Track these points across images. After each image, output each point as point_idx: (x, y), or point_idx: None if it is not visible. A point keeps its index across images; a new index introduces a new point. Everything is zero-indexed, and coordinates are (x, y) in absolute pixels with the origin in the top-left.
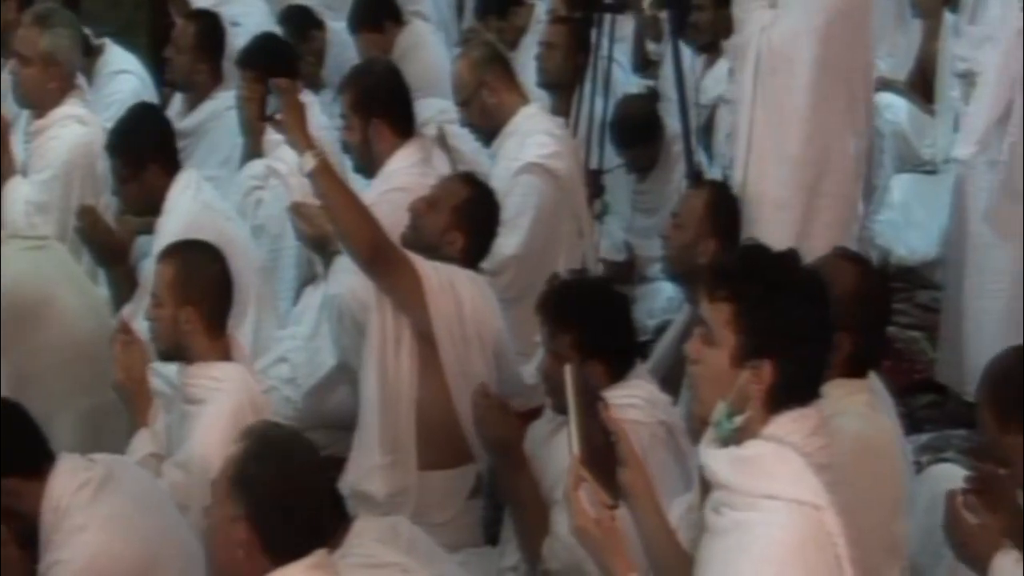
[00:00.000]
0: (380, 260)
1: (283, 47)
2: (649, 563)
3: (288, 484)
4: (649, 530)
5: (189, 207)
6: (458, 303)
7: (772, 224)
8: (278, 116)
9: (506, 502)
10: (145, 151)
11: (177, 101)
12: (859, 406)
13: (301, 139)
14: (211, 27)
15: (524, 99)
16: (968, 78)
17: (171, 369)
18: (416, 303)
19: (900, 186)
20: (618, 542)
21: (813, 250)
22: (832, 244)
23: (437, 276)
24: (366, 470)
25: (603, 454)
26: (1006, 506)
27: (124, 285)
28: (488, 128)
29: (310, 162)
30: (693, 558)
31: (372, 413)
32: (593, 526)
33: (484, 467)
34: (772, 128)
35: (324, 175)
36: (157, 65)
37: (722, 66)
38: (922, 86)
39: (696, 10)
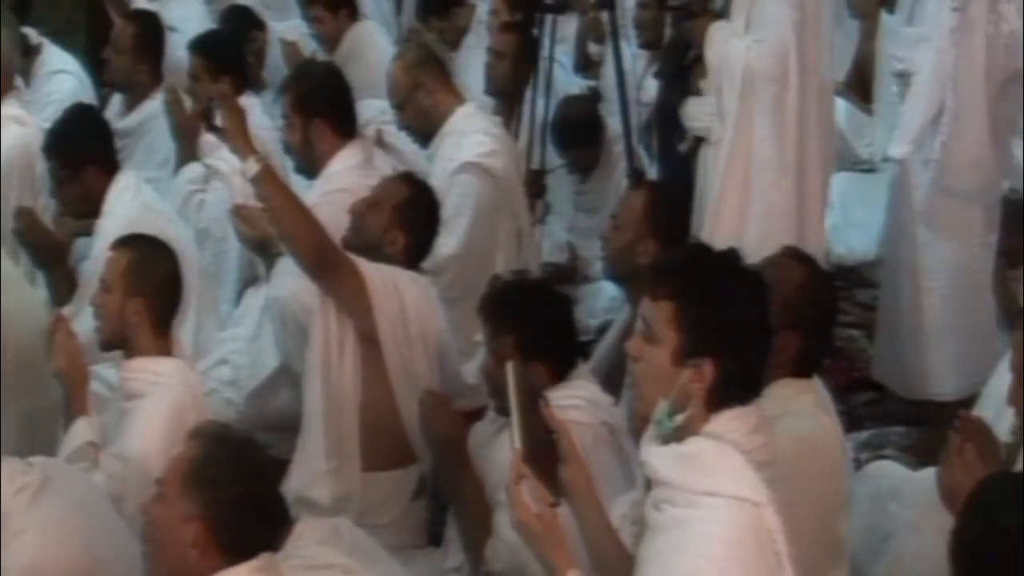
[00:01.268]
0: (324, 264)
1: (235, 43)
2: (590, 561)
3: (245, 486)
4: (590, 528)
5: (128, 209)
6: (401, 305)
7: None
8: (219, 123)
9: (450, 503)
10: (83, 152)
11: (116, 102)
12: (806, 406)
13: (243, 145)
14: (150, 27)
15: (460, 99)
16: (904, 78)
17: (110, 372)
18: (360, 306)
19: (839, 186)
20: (559, 537)
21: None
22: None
23: (381, 278)
24: (310, 476)
25: (545, 451)
26: (993, 453)
27: (63, 287)
28: (425, 130)
29: (253, 167)
30: (634, 556)
31: (316, 419)
32: (534, 521)
33: (427, 468)
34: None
35: (267, 180)
36: (96, 65)
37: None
38: (860, 86)
39: (640, 8)
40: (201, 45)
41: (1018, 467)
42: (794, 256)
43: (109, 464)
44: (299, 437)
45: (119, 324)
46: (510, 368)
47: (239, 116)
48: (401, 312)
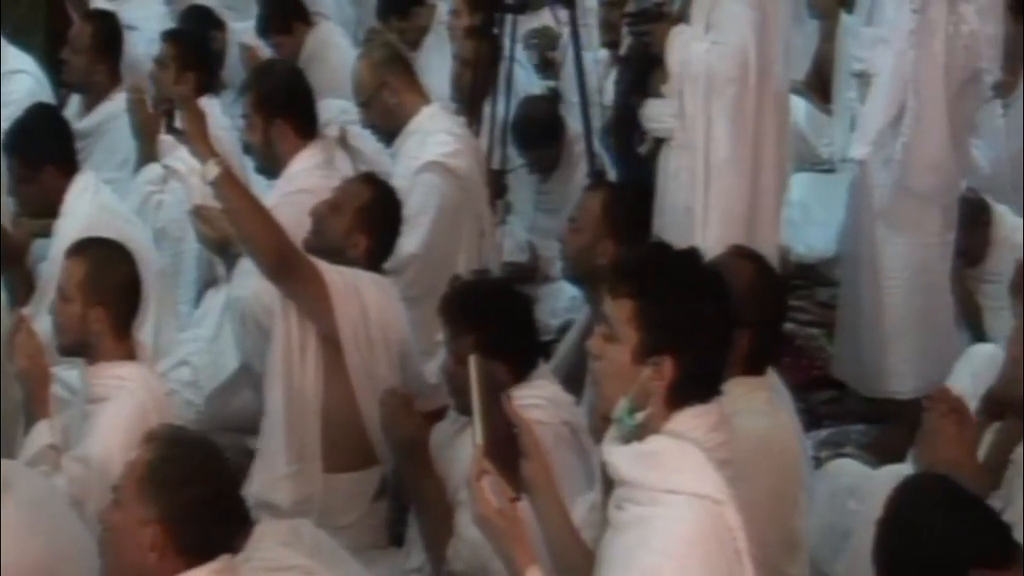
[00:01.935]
0: (285, 267)
1: (204, 42)
2: (550, 558)
3: (203, 487)
4: (551, 524)
5: (87, 210)
6: (363, 307)
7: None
8: (179, 125)
9: (411, 503)
10: (42, 152)
11: (74, 102)
12: (759, 403)
13: (204, 148)
14: (108, 27)
15: (425, 99)
16: (864, 78)
17: (71, 374)
18: (321, 309)
19: (799, 185)
20: (521, 533)
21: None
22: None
23: (342, 280)
24: (271, 479)
25: (506, 447)
26: (970, 429)
27: (21, 288)
28: (389, 128)
29: (213, 171)
30: (595, 554)
31: (277, 422)
32: (496, 515)
33: (389, 469)
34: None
35: (228, 183)
36: (54, 66)
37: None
38: (819, 86)
39: (607, 7)
40: (175, 34)
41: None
42: (742, 255)
43: (70, 468)
44: (260, 440)
45: (80, 333)
46: (473, 362)
47: (199, 119)
48: (362, 315)
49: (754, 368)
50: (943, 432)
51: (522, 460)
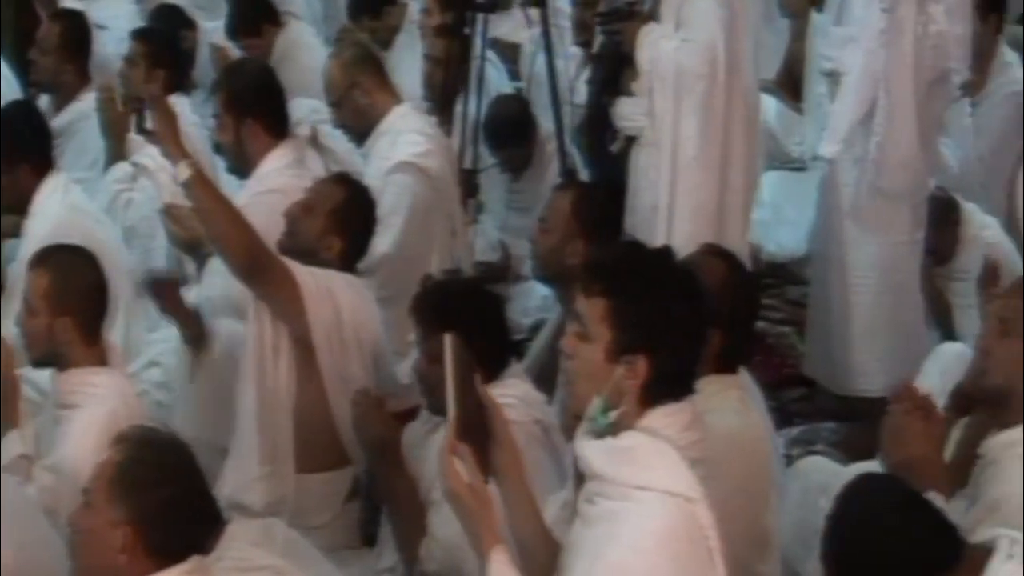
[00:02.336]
0: (257, 269)
1: (174, 40)
2: (515, 544)
3: (173, 487)
4: (517, 510)
5: (57, 210)
6: (336, 309)
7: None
8: (150, 126)
9: (384, 503)
10: (19, 150)
11: (43, 103)
12: (731, 402)
13: (175, 149)
14: (76, 27)
15: (396, 98)
16: (834, 77)
17: (41, 375)
18: (294, 310)
19: (769, 184)
20: (489, 511)
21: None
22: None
23: (315, 282)
24: (243, 482)
25: (476, 429)
26: (937, 424)
27: None
28: (360, 128)
29: (185, 171)
30: (560, 545)
31: (249, 423)
32: (466, 491)
33: (361, 470)
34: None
35: (199, 184)
36: (22, 66)
37: (633, 103)
38: (790, 85)
39: (581, 7)
40: (144, 32)
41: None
42: (714, 253)
43: (42, 477)
44: (232, 442)
45: (49, 344)
46: (448, 341)
47: (170, 119)
48: (335, 316)
49: (726, 367)
50: (909, 429)
51: (491, 444)
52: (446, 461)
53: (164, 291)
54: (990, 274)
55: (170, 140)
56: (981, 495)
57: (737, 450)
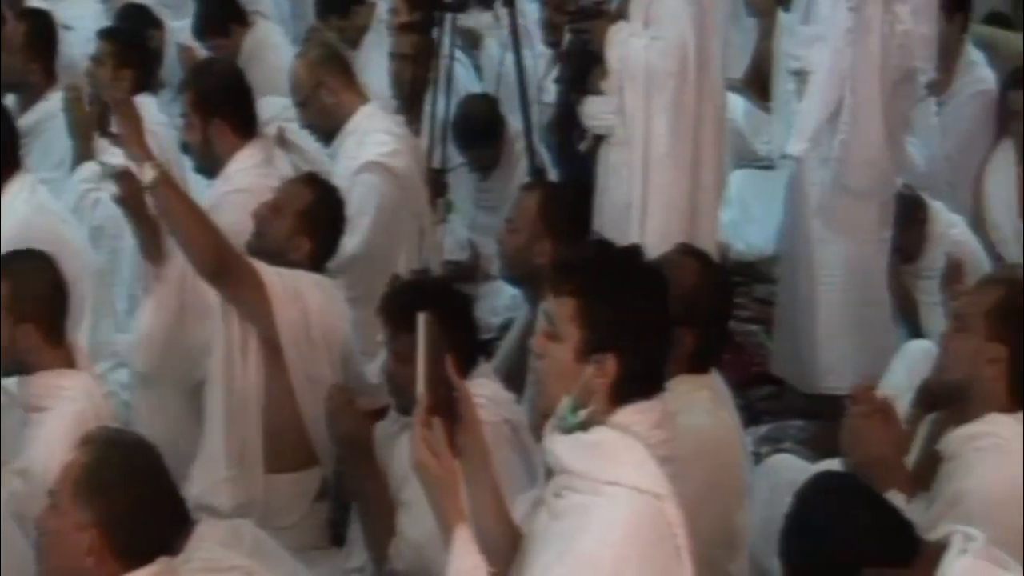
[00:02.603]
0: (223, 271)
1: (142, 39)
2: (476, 527)
3: (140, 488)
4: (479, 494)
5: (23, 210)
6: (304, 310)
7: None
8: (114, 129)
9: (353, 500)
10: None
11: (10, 102)
12: (702, 402)
13: (140, 151)
14: (42, 26)
15: (363, 98)
16: (801, 76)
17: (8, 380)
18: (261, 312)
19: (738, 182)
20: (455, 486)
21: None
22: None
23: (282, 283)
24: (211, 483)
25: (443, 411)
26: (895, 426)
27: None
28: (327, 128)
29: (150, 174)
30: (520, 533)
31: (217, 424)
32: (433, 463)
33: (330, 470)
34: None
35: (164, 187)
36: None
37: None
38: (758, 84)
39: (549, 8)
40: (112, 32)
41: (912, 453)
42: (688, 253)
43: (10, 482)
44: (200, 443)
45: (13, 352)
46: (422, 319)
47: (135, 121)
48: (303, 317)
49: (698, 367)
50: (867, 430)
51: (457, 426)
52: (416, 431)
53: (128, 185)
54: (953, 272)
55: (135, 142)
56: (942, 490)
57: (707, 450)
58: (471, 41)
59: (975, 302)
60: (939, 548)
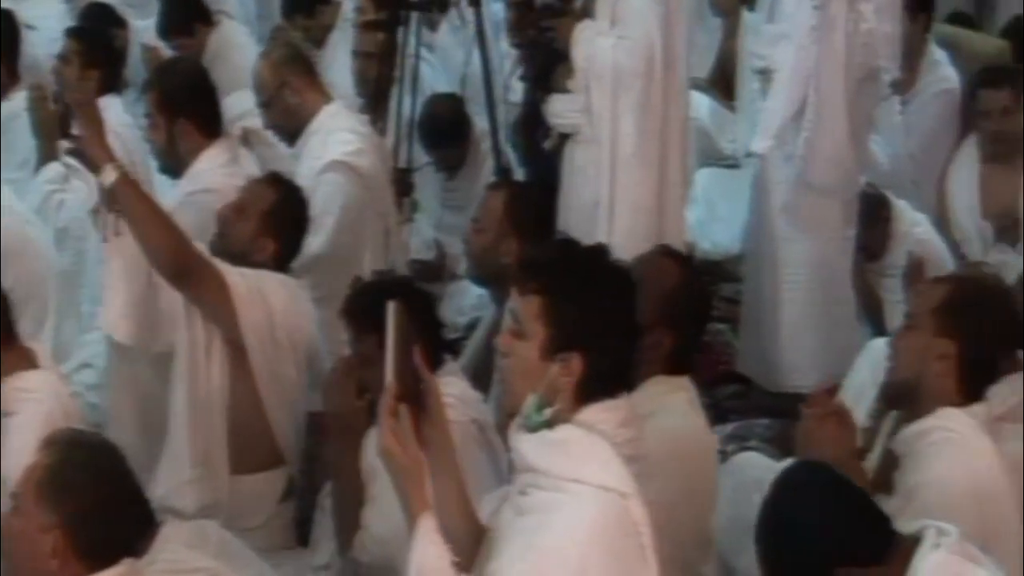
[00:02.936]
0: (186, 273)
1: (109, 39)
2: (439, 520)
3: (103, 490)
4: (444, 486)
5: None
6: (268, 311)
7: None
8: (75, 131)
9: (331, 479)
10: None
11: None
12: (679, 404)
13: (101, 153)
14: (5, 25)
15: (327, 97)
16: (766, 75)
17: None
18: (225, 313)
19: (703, 181)
20: (421, 475)
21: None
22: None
23: (245, 284)
24: (175, 485)
25: (411, 402)
26: (850, 430)
27: None
28: (291, 128)
29: (111, 176)
30: (483, 527)
31: (181, 426)
32: (399, 451)
33: (296, 469)
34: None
35: (126, 189)
36: None
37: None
38: (723, 83)
39: (513, 8)
40: (79, 31)
41: (875, 451)
42: (668, 254)
43: None
44: (164, 445)
45: None
46: (391, 308)
47: (97, 124)
48: (267, 318)
49: (675, 368)
50: (822, 433)
51: (424, 419)
52: (383, 419)
53: (88, 109)
54: (914, 270)
55: (96, 145)
56: (898, 486)
57: (684, 451)
58: (429, 24)
59: (923, 300)
60: (913, 542)
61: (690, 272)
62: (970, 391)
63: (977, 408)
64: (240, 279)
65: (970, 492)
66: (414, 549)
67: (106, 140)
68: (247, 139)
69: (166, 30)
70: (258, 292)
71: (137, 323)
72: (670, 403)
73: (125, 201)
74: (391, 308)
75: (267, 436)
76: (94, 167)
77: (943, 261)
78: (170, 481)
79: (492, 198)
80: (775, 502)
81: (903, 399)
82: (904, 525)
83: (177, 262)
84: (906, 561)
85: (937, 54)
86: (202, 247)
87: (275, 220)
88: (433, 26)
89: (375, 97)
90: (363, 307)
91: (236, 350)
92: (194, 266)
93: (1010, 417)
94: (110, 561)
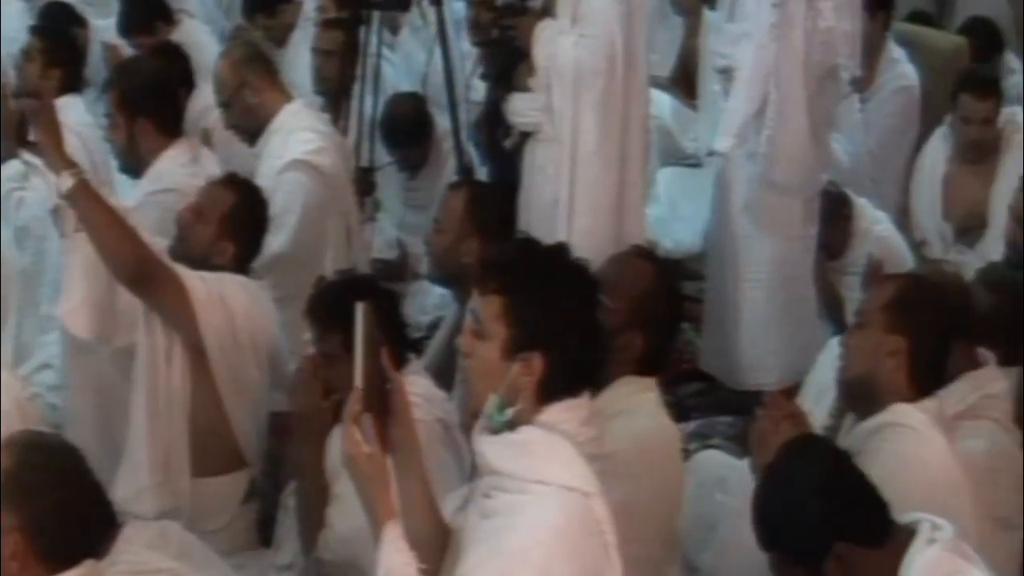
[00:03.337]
0: (144, 279)
1: (72, 38)
2: (405, 521)
3: (64, 492)
4: (410, 488)
5: None
6: (229, 314)
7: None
8: (32, 138)
9: (295, 478)
10: None
11: None
12: (647, 404)
13: (58, 159)
14: None
15: (287, 97)
16: (727, 74)
17: None
18: (185, 318)
19: (665, 180)
20: (385, 481)
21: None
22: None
23: (206, 288)
24: (135, 491)
25: (377, 404)
26: (803, 423)
27: None
28: (252, 127)
29: (67, 182)
30: (450, 529)
31: (141, 432)
32: (364, 458)
33: (257, 470)
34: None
35: (83, 195)
36: None
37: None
38: (684, 82)
39: (477, 6)
40: (42, 29)
41: None
42: (642, 256)
43: None
44: (124, 450)
45: None
46: (360, 310)
47: (54, 130)
48: (229, 322)
49: (646, 369)
50: (776, 433)
51: (391, 420)
52: (347, 426)
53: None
54: (873, 272)
55: (54, 149)
56: None
57: (652, 452)
58: (391, 29)
59: (873, 298)
60: (907, 533)
61: (663, 274)
62: (922, 386)
63: (928, 403)
64: (200, 284)
65: (923, 486)
66: (380, 558)
67: (64, 146)
68: (208, 139)
69: (127, 28)
70: (219, 296)
71: (95, 318)
72: (638, 403)
73: (82, 208)
74: (360, 309)
75: (229, 439)
76: (53, 171)
77: (903, 259)
78: (129, 487)
79: (452, 198)
80: (779, 469)
81: (857, 396)
82: (898, 516)
83: (135, 269)
84: (899, 551)
85: (896, 52)
86: (164, 245)
87: (234, 223)
88: (395, 31)
89: (335, 95)
90: (327, 306)
91: (197, 355)
92: (153, 272)
93: (968, 414)
94: (71, 563)
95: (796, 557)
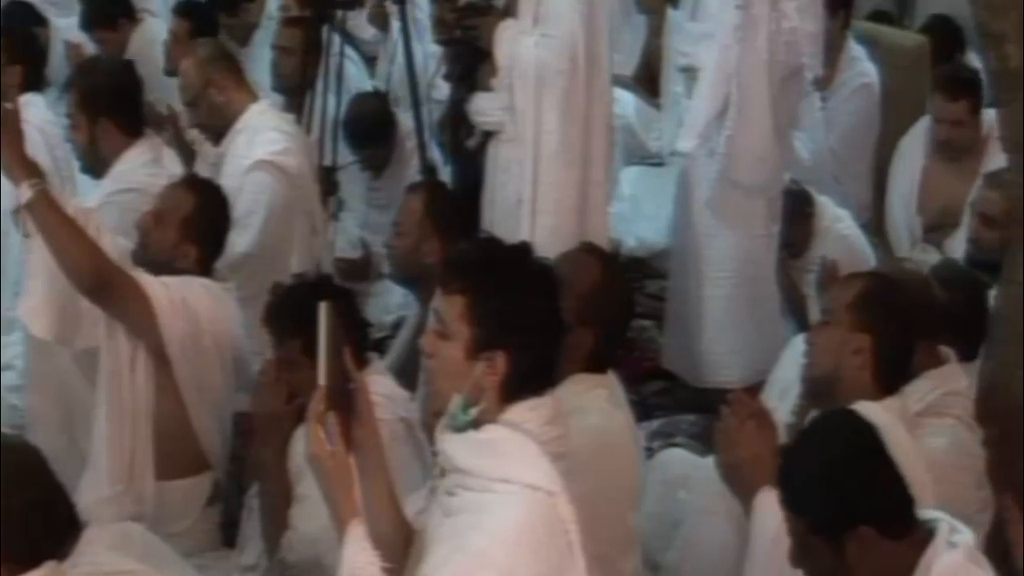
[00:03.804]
0: (105, 288)
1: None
2: (368, 521)
3: (24, 493)
4: (373, 487)
5: None
6: (192, 319)
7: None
8: None
9: (257, 480)
10: None
11: None
12: (599, 401)
13: (19, 168)
14: None
15: (253, 96)
16: (690, 73)
17: None
18: (147, 326)
19: (629, 179)
20: (349, 481)
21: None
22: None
23: (168, 294)
24: (98, 499)
25: (341, 404)
26: (770, 430)
27: None
28: (217, 127)
29: (27, 193)
30: (413, 528)
31: (102, 443)
32: (328, 457)
33: (221, 472)
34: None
35: (42, 206)
36: None
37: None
38: (648, 80)
39: (441, 4)
40: (2, 27)
41: None
42: (590, 252)
43: None
44: (87, 456)
45: None
46: (323, 309)
47: (17, 138)
48: (193, 327)
49: (596, 366)
50: (740, 432)
51: (354, 420)
52: (312, 425)
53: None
54: (829, 274)
55: (15, 159)
56: None
57: (602, 449)
58: (380, 23)
59: (838, 296)
60: (926, 532)
61: (612, 270)
62: (886, 384)
63: (890, 401)
64: (162, 290)
65: None
66: (344, 557)
67: (26, 155)
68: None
69: (89, 22)
70: (182, 302)
71: (56, 319)
72: (588, 401)
73: (42, 219)
74: (322, 309)
75: (192, 442)
76: (13, 181)
77: (865, 257)
78: (90, 496)
79: (411, 200)
80: (820, 433)
81: (822, 394)
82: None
83: (94, 280)
84: (916, 548)
85: (855, 50)
86: (126, 247)
87: (196, 226)
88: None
89: (293, 93)
90: (284, 313)
91: (161, 361)
92: (112, 282)
93: (930, 412)
94: (32, 564)
95: (817, 526)
